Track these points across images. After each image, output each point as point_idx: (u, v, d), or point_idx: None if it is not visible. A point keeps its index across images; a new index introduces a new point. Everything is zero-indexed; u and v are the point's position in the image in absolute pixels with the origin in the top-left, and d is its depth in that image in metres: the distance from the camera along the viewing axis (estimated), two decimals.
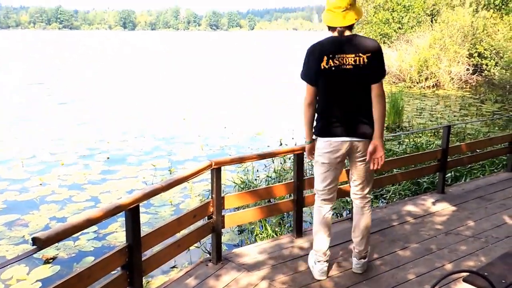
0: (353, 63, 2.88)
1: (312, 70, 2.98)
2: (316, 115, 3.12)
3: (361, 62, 2.86)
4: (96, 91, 17.79)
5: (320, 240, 3.23)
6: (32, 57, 37.38)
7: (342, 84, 2.95)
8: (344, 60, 2.89)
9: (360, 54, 2.86)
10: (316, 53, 2.96)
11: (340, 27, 2.90)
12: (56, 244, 4.78)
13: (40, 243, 2.03)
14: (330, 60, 2.90)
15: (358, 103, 2.96)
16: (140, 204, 2.71)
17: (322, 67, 2.93)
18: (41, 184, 6.92)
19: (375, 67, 2.89)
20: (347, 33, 2.92)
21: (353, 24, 2.93)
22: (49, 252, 4.72)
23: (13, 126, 11.11)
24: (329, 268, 3.36)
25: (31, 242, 2.06)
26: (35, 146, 9.18)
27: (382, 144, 2.95)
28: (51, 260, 4.64)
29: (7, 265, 2.03)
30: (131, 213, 2.61)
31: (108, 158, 8.36)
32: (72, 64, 30.96)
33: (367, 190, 3.20)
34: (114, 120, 11.93)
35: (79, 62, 32.40)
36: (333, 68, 2.92)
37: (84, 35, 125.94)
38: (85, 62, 32.43)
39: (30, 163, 8.02)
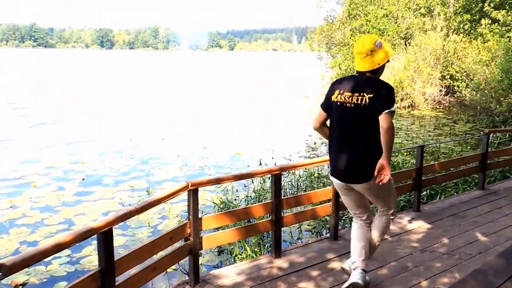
0: (355, 101, 3.02)
1: (326, 100, 3.20)
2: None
3: (363, 102, 2.99)
4: (73, 111, 17.57)
5: (351, 250, 3.40)
6: (7, 75, 36.78)
7: (344, 120, 3.09)
8: (350, 98, 3.04)
9: (364, 94, 2.99)
10: (333, 86, 3.20)
11: (359, 71, 3.09)
12: (26, 269, 4.64)
13: (5, 270, 1.96)
14: (339, 96, 3.09)
15: (355, 141, 3.06)
16: (116, 226, 2.66)
17: (332, 100, 3.13)
18: (11, 207, 6.73)
19: (376, 103, 2.96)
20: (367, 75, 3.07)
21: (377, 68, 3.05)
22: (19, 277, 4.58)
23: None
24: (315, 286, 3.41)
25: None
26: (7, 167, 8.97)
27: (388, 164, 2.98)
28: (20, 286, 4.49)
29: None
30: (104, 236, 2.56)
31: (83, 179, 8.22)
32: (48, 83, 30.56)
33: (381, 207, 3.31)
34: (91, 140, 11.76)
35: (56, 81, 32.00)
36: (338, 103, 3.10)
37: (60, 53, 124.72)
38: (62, 81, 32.06)
39: (0, 185, 7.81)
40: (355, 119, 3.02)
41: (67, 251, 5.13)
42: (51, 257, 4.90)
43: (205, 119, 15.76)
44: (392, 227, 4.65)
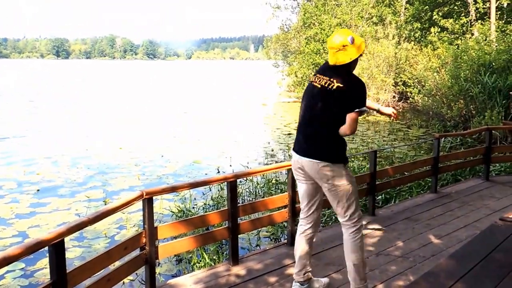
0: (322, 83, 3.08)
1: None
2: None
3: (329, 87, 3.04)
4: (27, 121, 16.96)
5: (296, 259, 3.33)
6: None
7: (310, 100, 3.16)
8: (319, 80, 3.12)
9: (333, 80, 3.04)
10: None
11: (332, 64, 3.12)
12: None
13: None
14: (314, 77, 3.19)
15: (318, 122, 3.09)
16: (72, 238, 2.60)
17: (308, 81, 3.24)
18: None
19: (346, 98, 2.99)
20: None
21: (349, 63, 3.05)
22: None
23: None
24: None
25: None
26: None
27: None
28: None
29: None
30: (55, 248, 2.49)
31: (38, 190, 7.98)
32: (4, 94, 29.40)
33: (343, 215, 3.14)
34: (46, 151, 11.39)
35: (12, 92, 30.82)
36: (310, 85, 3.20)
37: (15, 64, 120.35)
38: (14, 92, 30.90)
39: None
40: (319, 100, 3.08)
41: (21, 264, 5.00)
42: (4, 270, 4.74)
43: (163, 128, 15.58)
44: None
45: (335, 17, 23.52)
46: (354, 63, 3.11)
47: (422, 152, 10.80)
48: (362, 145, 11.89)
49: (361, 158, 9.48)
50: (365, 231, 4.75)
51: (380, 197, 6.60)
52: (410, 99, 18.87)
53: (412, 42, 20.66)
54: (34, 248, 2.34)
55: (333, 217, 6.06)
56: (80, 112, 19.99)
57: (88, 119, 17.70)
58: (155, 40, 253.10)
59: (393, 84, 19.62)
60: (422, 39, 21.02)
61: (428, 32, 20.09)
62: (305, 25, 24.52)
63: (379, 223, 4.98)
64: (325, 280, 3.50)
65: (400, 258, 4.06)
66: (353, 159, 9.23)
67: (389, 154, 10.22)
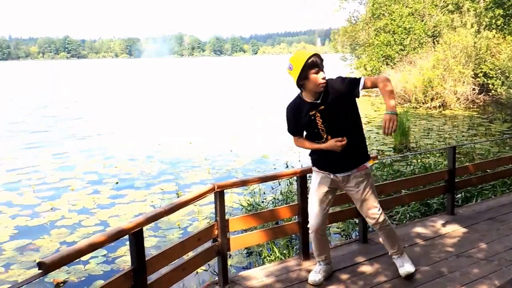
0: None
1: None
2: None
3: None
4: (106, 116, 17.97)
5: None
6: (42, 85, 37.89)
7: None
8: None
9: None
10: None
11: None
12: (66, 268, 4.83)
13: (44, 267, 2.07)
14: None
15: None
16: (148, 228, 2.72)
17: None
18: (51, 209, 6.97)
19: None
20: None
21: (299, 87, 3.22)
22: (60, 276, 4.77)
23: (24, 153, 11.25)
24: None
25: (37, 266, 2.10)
26: (46, 172, 9.27)
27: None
28: (61, 284, 4.67)
29: None
30: (135, 237, 2.62)
31: (117, 182, 8.41)
32: (79, 91, 31.34)
33: None
34: (122, 145, 12.02)
35: (85, 90, 32.80)
36: None
37: (93, 63, 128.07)
38: (92, 90, 32.83)
39: (41, 188, 8.11)
40: None
41: (103, 251, 5.30)
42: (89, 256, 5.08)
43: (231, 123, 15.83)
44: (424, 230, 4.51)
45: (406, 7, 22.56)
46: (306, 82, 3.11)
47: (506, 148, 10.06)
48: (439, 141, 11.30)
49: (437, 154, 9.02)
50: (444, 231, 4.52)
51: (459, 195, 6.23)
52: (492, 91, 17.57)
53: (494, 30, 19.18)
54: (116, 236, 2.48)
55: (408, 215, 5.82)
56: (151, 108, 20.82)
57: (159, 115, 18.39)
58: (221, 37, 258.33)
59: (473, 75, 18.34)
60: (505, 26, 19.47)
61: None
62: (374, 16, 23.73)
63: (459, 223, 4.69)
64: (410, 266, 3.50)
65: (483, 260, 3.80)
66: (428, 155, 8.82)
67: (469, 150, 9.65)
